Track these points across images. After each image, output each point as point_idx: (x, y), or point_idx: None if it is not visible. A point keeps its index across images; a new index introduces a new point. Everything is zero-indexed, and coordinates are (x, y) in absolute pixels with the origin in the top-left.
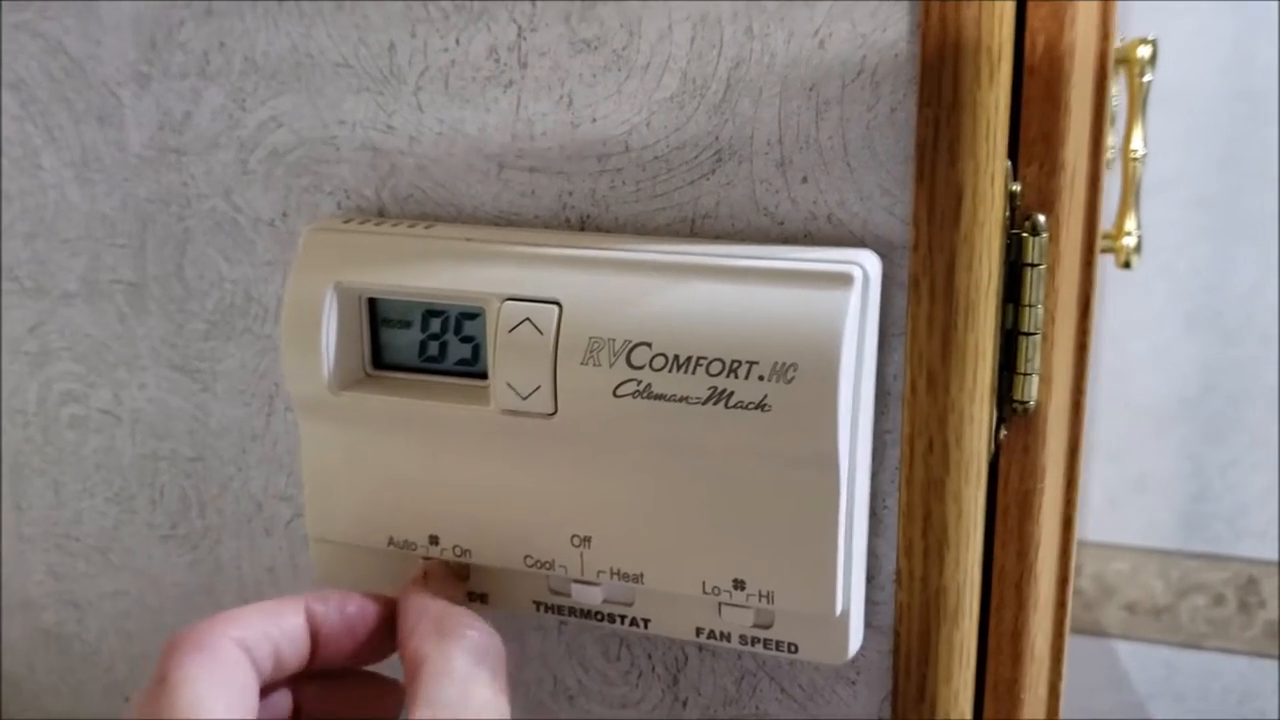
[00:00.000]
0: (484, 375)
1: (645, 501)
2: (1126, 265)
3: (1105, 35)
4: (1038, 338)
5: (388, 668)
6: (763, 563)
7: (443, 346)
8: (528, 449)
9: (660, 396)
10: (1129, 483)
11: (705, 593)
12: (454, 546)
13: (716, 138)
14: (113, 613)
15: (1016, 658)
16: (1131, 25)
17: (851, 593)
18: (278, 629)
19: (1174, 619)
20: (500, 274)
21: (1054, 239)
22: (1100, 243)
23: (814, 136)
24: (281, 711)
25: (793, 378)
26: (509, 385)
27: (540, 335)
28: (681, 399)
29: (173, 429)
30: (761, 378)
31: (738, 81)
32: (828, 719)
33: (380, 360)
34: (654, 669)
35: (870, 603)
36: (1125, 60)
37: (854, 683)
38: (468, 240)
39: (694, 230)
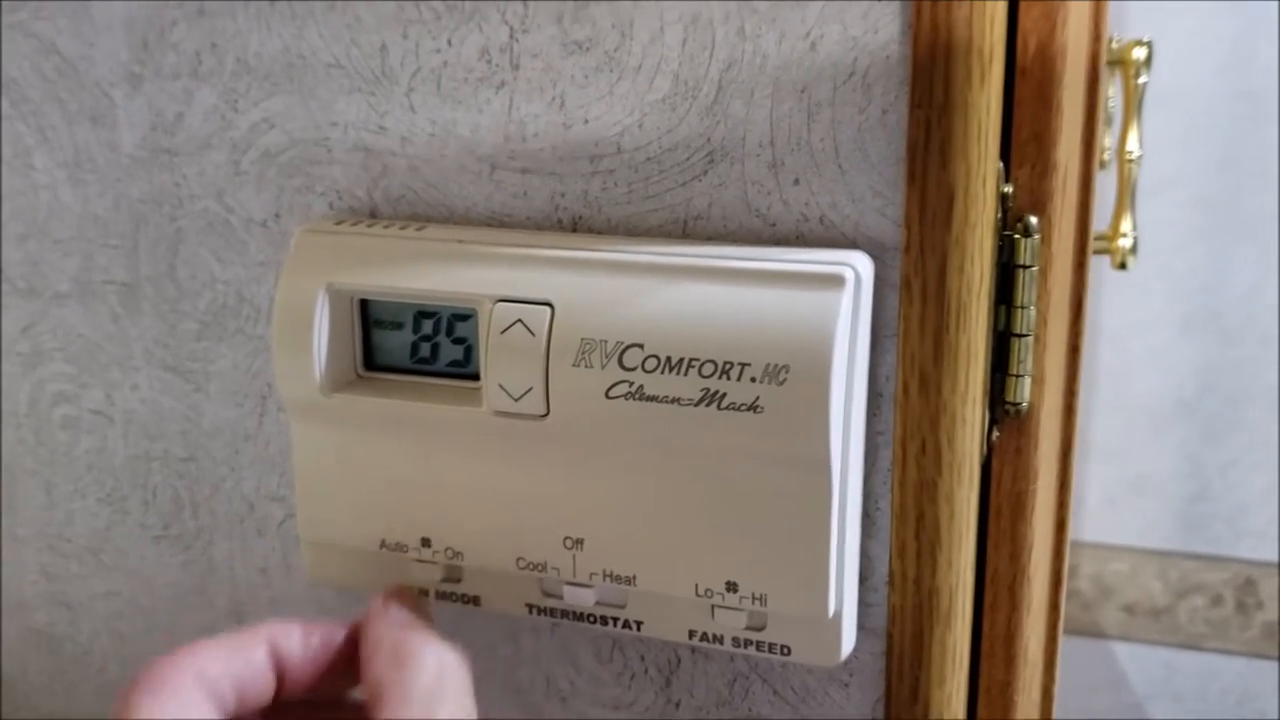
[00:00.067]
0: (476, 377)
1: (638, 503)
2: (1122, 266)
3: (1097, 36)
4: (1030, 339)
5: None
6: (755, 565)
7: (435, 348)
8: (520, 451)
9: (652, 398)
10: (1127, 483)
11: (698, 595)
12: (446, 548)
13: (708, 139)
14: (105, 614)
15: (1009, 660)
16: (1130, 25)
17: (844, 595)
18: (240, 663)
19: (1173, 620)
20: (492, 275)
21: (1046, 241)
22: (1094, 244)
23: (806, 138)
24: None
25: (785, 379)
26: (501, 387)
27: (532, 337)
28: (674, 400)
29: (165, 430)
30: (753, 379)
31: (730, 83)
32: None
33: (372, 362)
34: (647, 671)
35: (863, 605)
36: (1121, 62)
37: (847, 685)
38: (460, 241)
39: (686, 232)
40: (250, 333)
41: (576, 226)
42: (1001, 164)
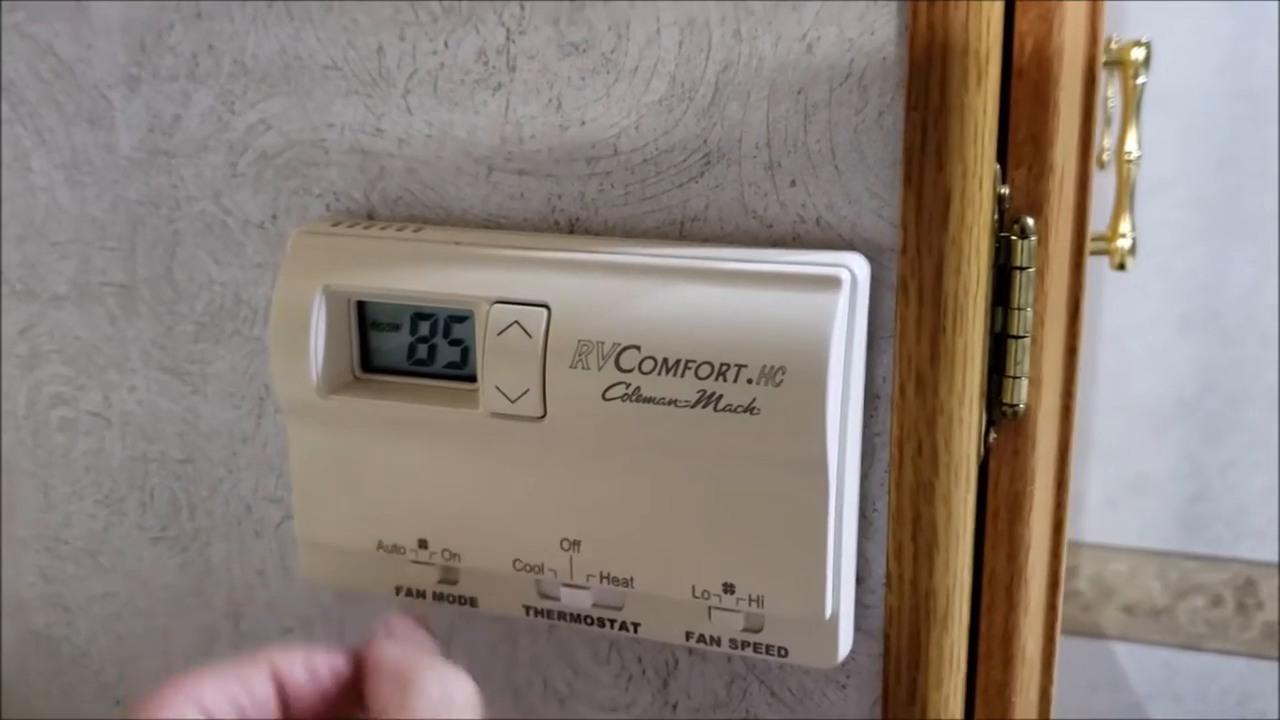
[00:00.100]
0: (473, 378)
1: (635, 505)
2: (1121, 267)
3: (1094, 37)
4: (1027, 341)
5: None
6: (752, 566)
7: (432, 349)
8: (517, 452)
9: (649, 399)
10: (1127, 483)
11: (695, 596)
12: (443, 550)
13: (705, 141)
14: (103, 615)
15: (1007, 661)
16: (1129, 25)
17: (841, 596)
18: (242, 691)
19: (1173, 620)
20: (489, 277)
21: (1043, 242)
22: (1093, 245)
23: (802, 140)
24: None
25: (781, 381)
26: (498, 388)
27: (529, 338)
28: (670, 402)
29: (162, 431)
30: (750, 381)
31: (726, 85)
32: None
33: (369, 363)
34: (644, 672)
35: (860, 606)
36: (1120, 62)
37: (844, 686)
38: (457, 243)
39: (683, 233)
40: (248, 334)
41: (573, 228)
42: (998, 165)
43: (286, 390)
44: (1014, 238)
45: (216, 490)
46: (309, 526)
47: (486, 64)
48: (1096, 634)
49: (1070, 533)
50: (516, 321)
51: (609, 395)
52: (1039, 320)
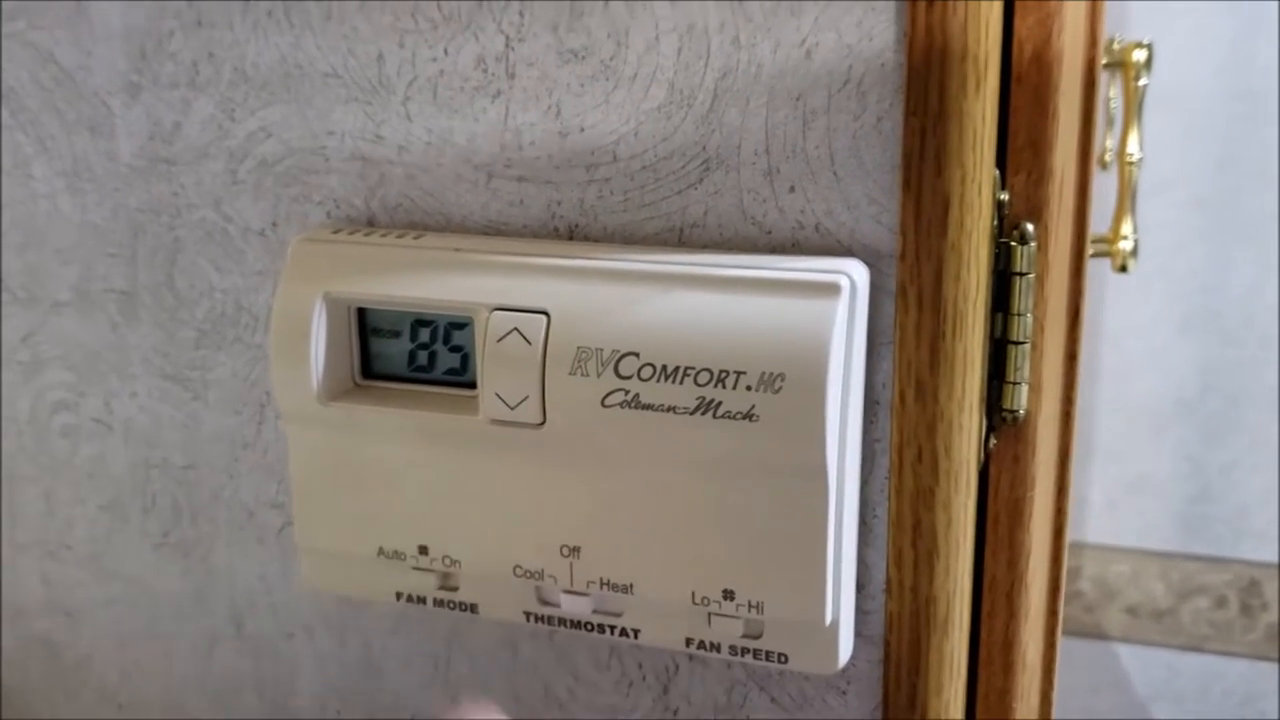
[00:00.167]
0: (473, 385)
1: (634, 511)
2: (1123, 269)
3: (1093, 41)
4: (1027, 346)
5: None
6: (752, 573)
7: (432, 356)
8: (516, 459)
9: (648, 406)
10: (1128, 484)
11: (695, 603)
12: (443, 556)
13: (704, 147)
14: (105, 621)
15: (1008, 667)
16: (1129, 26)
17: (841, 602)
18: None
19: (1175, 622)
20: (489, 284)
21: (1042, 247)
22: (1093, 247)
23: (801, 146)
24: None
25: (780, 387)
26: (497, 395)
27: (528, 345)
28: (669, 409)
29: (164, 437)
30: (749, 387)
31: (725, 91)
32: None
33: (369, 370)
34: (644, 678)
35: (860, 612)
36: (1121, 64)
37: (844, 692)
38: (456, 250)
39: (682, 240)
40: (249, 341)
41: (573, 235)
42: (997, 171)
43: (287, 397)
44: (1014, 243)
45: (218, 496)
46: (309, 533)
47: (486, 71)
48: (1099, 635)
49: (1072, 534)
50: (516, 328)
51: (608, 402)
52: (1039, 326)
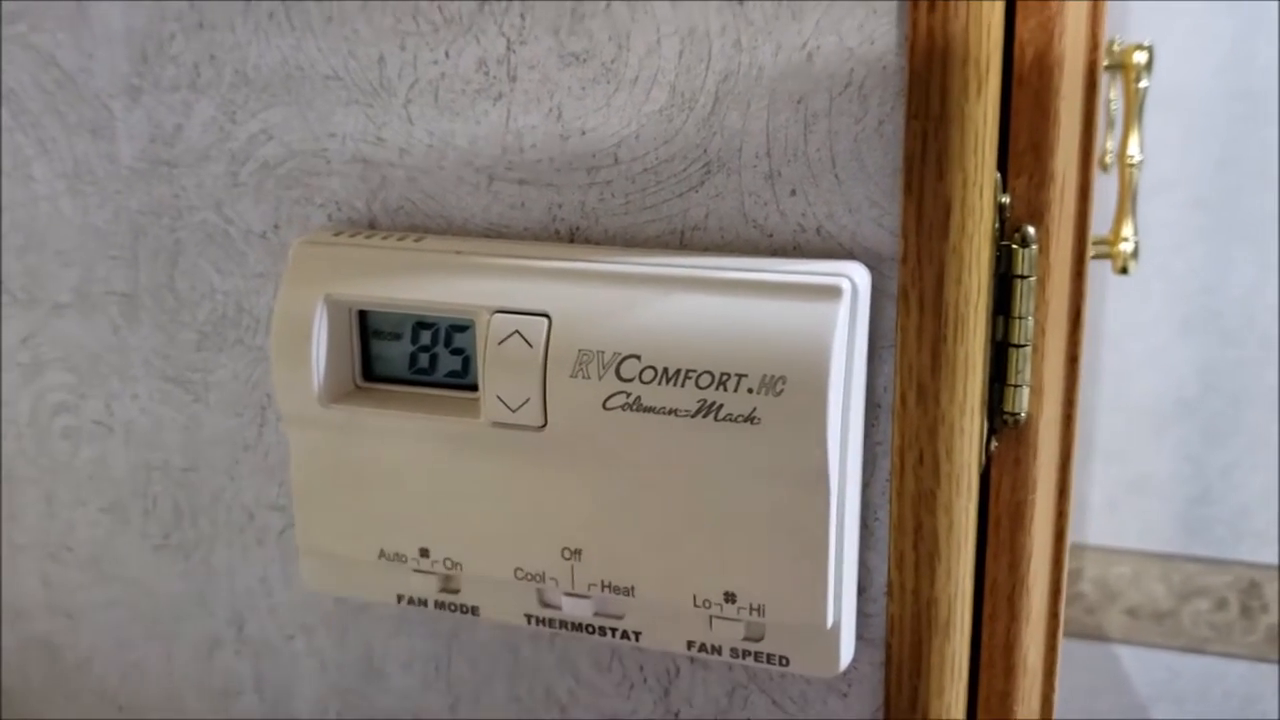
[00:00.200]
0: (474, 387)
1: (635, 514)
2: (1124, 271)
3: (1094, 44)
4: (1028, 350)
5: None
6: (753, 575)
7: (433, 359)
8: (518, 461)
9: (649, 409)
10: (1128, 485)
11: (696, 605)
12: (444, 559)
13: (705, 150)
14: (105, 622)
15: (1009, 670)
16: (1129, 26)
17: (843, 605)
18: None
19: (1176, 623)
20: (490, 286)
21: (1044, 251)
22: (1095, 249)
23: (802, 149)
24: None
25: (782, 390)
26: (499, 398)
27: (530, 348)
28: (671, 411)
29: (165, 439)
30: (750, 390)
31: (726, 94)
32: None
33: (371, 372)
34: (646, 681)
35: (862, 615)
36: (1122, 65)
37: (846, 695)
38: (457, 253)
39: (683, 242)
40: (249, 343)
41: (574, 237)
42: (999, 174)
43: (288, 399)
44: (1015, 246)
45: (219, 498)
46: (310, 535)
47: (487, 74)
48: (1100, 637)
49: (1073, 535)
50: (517, 331)
51: (609, 405)
52: (1040, 329)
